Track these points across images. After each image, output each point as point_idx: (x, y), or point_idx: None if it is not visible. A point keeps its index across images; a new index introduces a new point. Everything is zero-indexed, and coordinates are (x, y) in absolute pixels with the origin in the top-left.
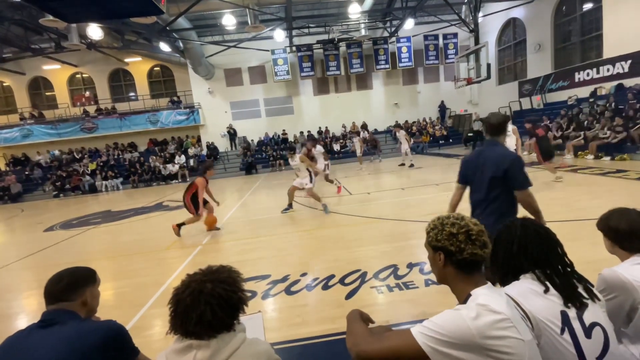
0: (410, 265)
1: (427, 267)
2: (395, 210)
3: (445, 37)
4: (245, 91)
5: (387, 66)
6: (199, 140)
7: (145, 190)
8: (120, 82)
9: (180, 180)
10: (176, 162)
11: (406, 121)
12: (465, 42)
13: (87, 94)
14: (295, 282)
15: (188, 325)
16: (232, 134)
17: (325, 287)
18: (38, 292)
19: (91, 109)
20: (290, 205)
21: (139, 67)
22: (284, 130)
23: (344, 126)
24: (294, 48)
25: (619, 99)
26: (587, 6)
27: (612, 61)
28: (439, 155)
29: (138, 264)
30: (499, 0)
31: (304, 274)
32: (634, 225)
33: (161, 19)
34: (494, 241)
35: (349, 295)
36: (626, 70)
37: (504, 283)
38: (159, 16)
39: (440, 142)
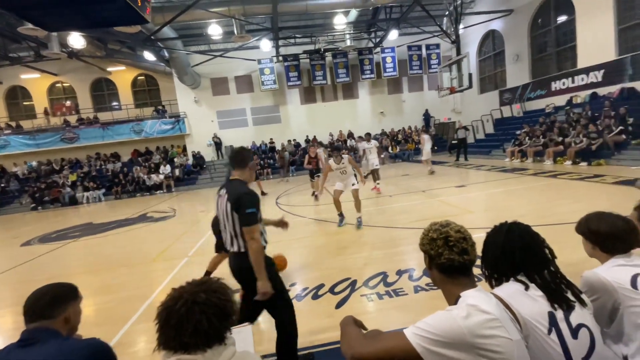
0: (400, 272)
1: (416, 273)
2: (383, 217)
3: (428, 47)
4: (231, 100)
5: (372, 76)
6: (184, 149)
7: (129, 202)
8: (103, 91)
9: (165, 191)
10: (161, 172)
11: (392, 129)
12: (447, 53)
13: (68, 103)
14: None
15: (183, 336)
16: (218, 143)
17: (315, 296)
18: (14, 309)
19: (72, 119)
20: (341, 215)
21: (122, 76)
22: (271, 139)
23: (331, 134)
24: (280, 58)
25: (593, 107)
26: (561, 19)
27: (587, 71)
28: None
29: (122, 278)
30: (478, 13)
31: (293, 284)
32: (614, 227)
33: (146, 28)
34: (484, 244)
35: (339, 305)
36: (600, 79)
37: (493, 285)
38: (144, 25)
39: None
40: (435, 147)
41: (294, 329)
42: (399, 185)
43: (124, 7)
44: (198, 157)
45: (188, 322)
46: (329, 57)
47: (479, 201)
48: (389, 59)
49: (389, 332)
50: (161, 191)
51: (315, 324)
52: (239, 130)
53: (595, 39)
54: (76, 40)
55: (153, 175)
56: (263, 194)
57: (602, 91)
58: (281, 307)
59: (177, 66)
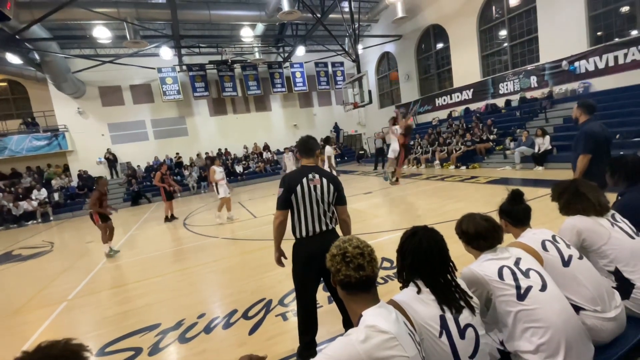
0: None
1: None
2: None
3: (333, 65)
4: (127, 111)
5: (283, 89)
6: (66, 169)
7: None
8: None
9: (40, 220)
10: (34, 197)
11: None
12: (350, 70)
13: None
14: (192, 326)
15: None
16: (111, 160)
17: (227, 325)
18: None
19: None
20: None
21: None
22: (177, 153)
23: (245, 147)
24: (184, 67)
25: (467, 119)
26: (439, 45)
27: (460, 90)
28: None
29: None
30: (374, 36)
31: (201, 315)
32: (478, 228)
33: (8, 26)
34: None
35: (252, 330)
36: (470, 97)
37: (402, 287)
38: (5, 22)
39: (337, 159)
40: (346, 157)
41: None
42: None
43: None
44: (85, 178)
45: None
46: (238, 69)
47: (384, 206)
48: (298, 74)
49: None
50: (34, 221)
51: (225, 356)
52: (139, 145)
53: (465, 63)
54: None
55: (22, 203)
56: (173, 217)
57: (473, 106)
58: None
59: (53, 71)
